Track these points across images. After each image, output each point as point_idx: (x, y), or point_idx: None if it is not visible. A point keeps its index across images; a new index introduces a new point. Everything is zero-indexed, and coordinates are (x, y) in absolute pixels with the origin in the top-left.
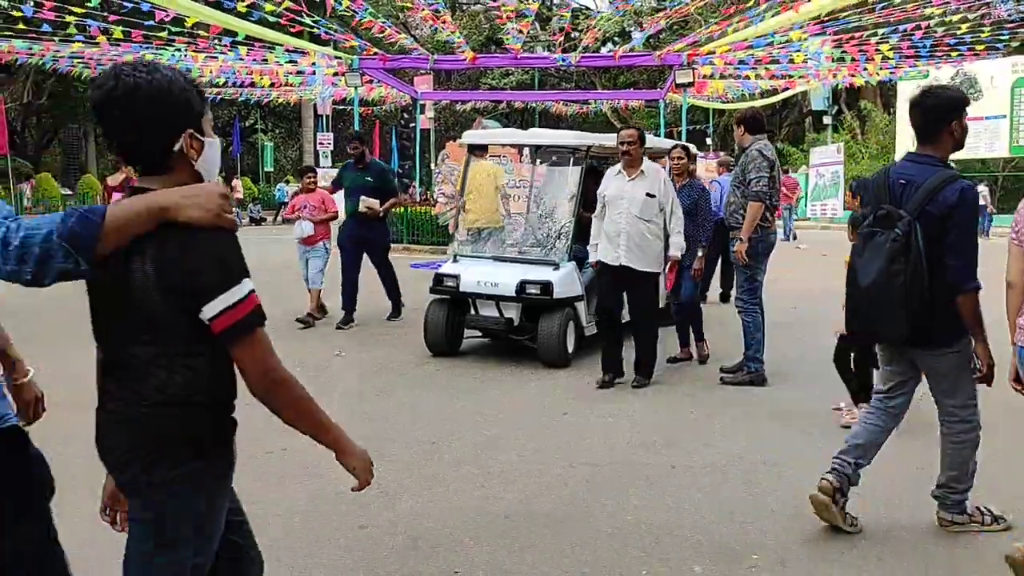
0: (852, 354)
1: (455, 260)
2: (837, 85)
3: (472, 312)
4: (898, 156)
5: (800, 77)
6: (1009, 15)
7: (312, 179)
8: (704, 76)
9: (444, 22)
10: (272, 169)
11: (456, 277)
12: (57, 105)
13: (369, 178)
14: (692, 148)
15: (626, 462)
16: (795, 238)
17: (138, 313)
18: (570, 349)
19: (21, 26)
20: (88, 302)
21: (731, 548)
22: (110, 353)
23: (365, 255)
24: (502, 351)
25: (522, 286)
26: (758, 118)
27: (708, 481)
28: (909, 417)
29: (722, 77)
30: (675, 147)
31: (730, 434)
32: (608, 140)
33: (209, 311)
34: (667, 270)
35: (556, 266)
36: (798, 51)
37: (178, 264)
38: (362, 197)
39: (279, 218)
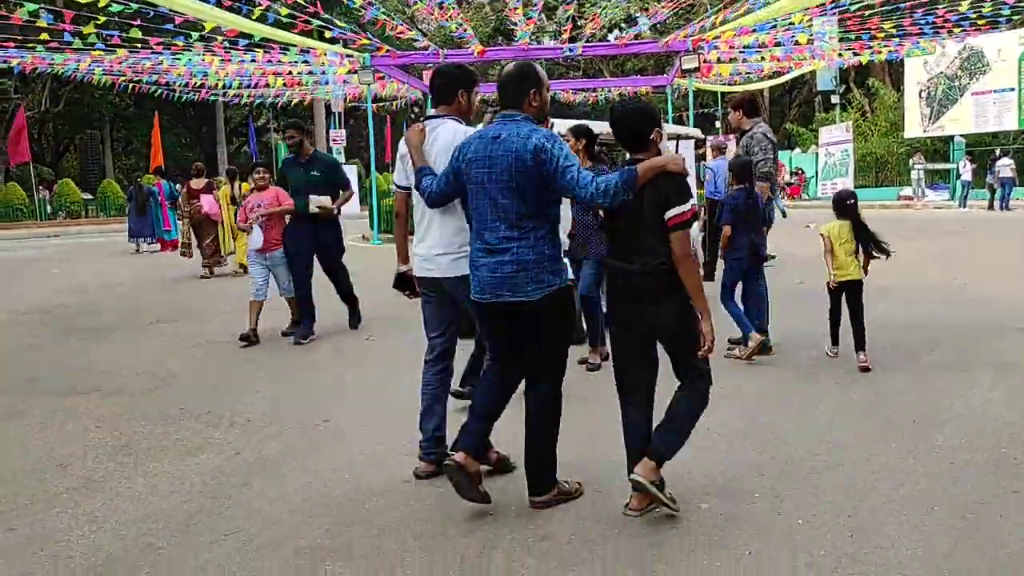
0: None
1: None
2: (843, 65)
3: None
4: (907, 133)
5: (805, 59)
6: None
7: (263, 176)
8: (710, 61)
9: (450, 17)
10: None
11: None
12: (73, 112)
13: (315, 172)
14: (695, 132)
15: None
16: (784, 215)
17: (645, 218)
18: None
19: (44, 36)
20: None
21: (735, 489)
22: (627, 241)
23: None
24: None
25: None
26: (755, 101)
27: (718, 437)
28: None
29: (728, 61)
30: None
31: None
32: None
33: (670, 214)
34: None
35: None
36: (802, 32)
37: (665, 191)
38: (311, 196)
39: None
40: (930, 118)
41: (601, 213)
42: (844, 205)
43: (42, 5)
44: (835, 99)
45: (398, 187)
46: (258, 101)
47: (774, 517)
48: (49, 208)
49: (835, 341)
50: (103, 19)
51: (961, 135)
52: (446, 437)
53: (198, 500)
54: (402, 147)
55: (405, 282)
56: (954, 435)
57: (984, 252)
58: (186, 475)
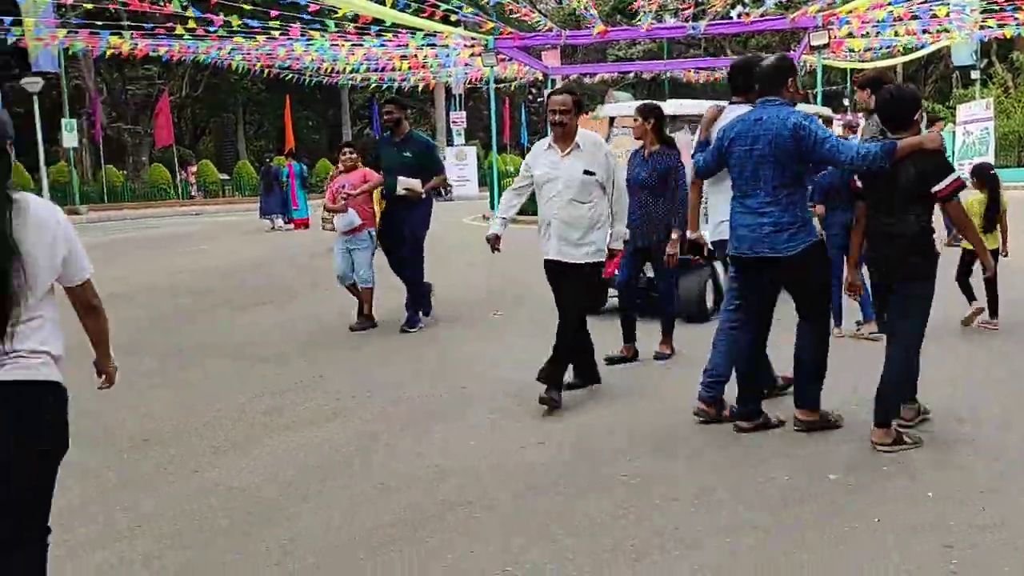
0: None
1: None
2: (984, 38)
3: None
4: None
5: (944, 31)
6: None
7: (349, 156)
8: (840, 36)
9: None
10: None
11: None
12: (210, 96)
13: (408, 154)
14: (825, 110)
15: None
16: None
17: (900, 188)
18: (709, 305)
19: (191, 24)
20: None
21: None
22: (884, 205)
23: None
24: (642, 309)
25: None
26: (882, 80)
27: (855, 408)
28: None
29: (861, 36)
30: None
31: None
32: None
33: (936, 188)
34: (608, 259)
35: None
36: (941, 4)
37: (928, 165)
38: (399, 178)
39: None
40: None
41: (858, 183)
42: (986, 173)
43: None
44: (975, 74)
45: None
46: (386, 85)
47: (904, 487)
48: (190, 188)
49: (970, 298)
50: (248, 7)
51: None
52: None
53: (341, 456)
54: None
55: (695, 247)
56: None
57: None
58: (328, 436)
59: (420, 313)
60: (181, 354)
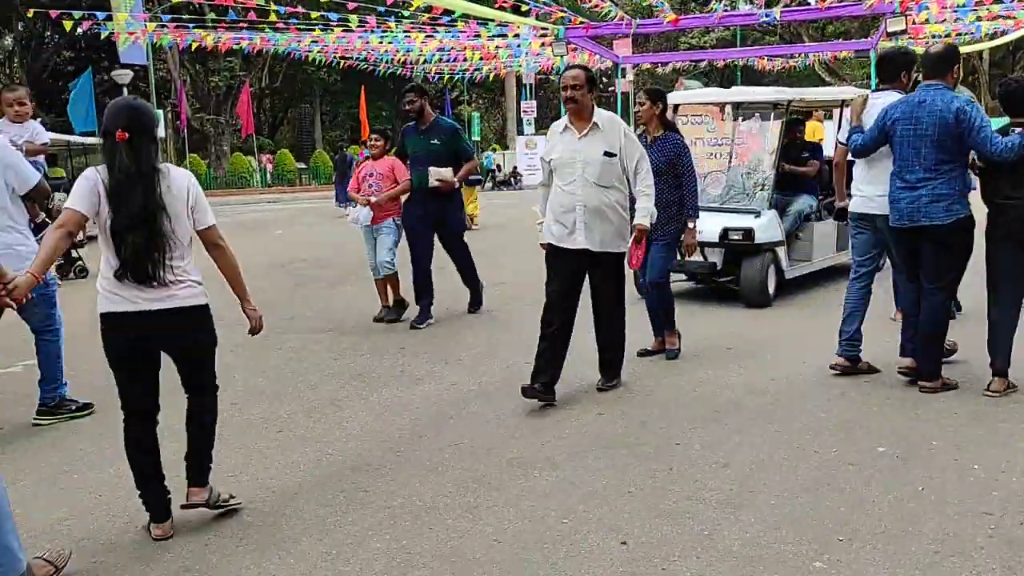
0: None
1: None
2: None
3: (678, 258)
4: None
5: None
6: None
7: (375, 143)
8: (919, 22)
9: None
10: (479, 138)
11: None
12: (287, 87)
13: (436, 141)
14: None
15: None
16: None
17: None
18: (771, 291)
19: (272, 17)
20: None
21: (912, 436)
22: (1008, 182)
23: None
24: (706, 293)
25: (725, 232)
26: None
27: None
28: None
29: (940, 22)
30: (641, 93)
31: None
32: (808, 93)
33: None
34: (632, 242)
35: (758, 214)
36: None
37: None
38: (430, 168)
39: (485, 183)
40: None
41: (980, 164)
42: None
43: None
44: None
45: (840, 143)
46: (458, 76)
47: (949, 461)
48: (268, 176)
49: None
50: (327, 1)
51: None
52: (861, 339)
53: (425, 418)
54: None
55: (842, 213)
56: None
57: None
58: (412, 399)
59: (430, 311)
60: (287, 323)
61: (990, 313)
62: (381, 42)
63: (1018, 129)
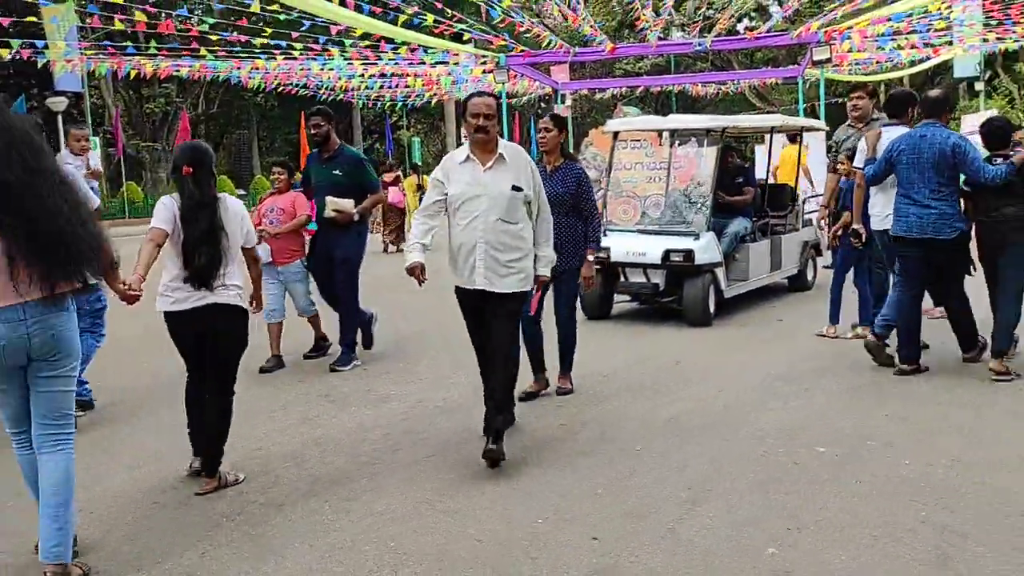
0: None
1: (605, 235)
2: (987, 51)
3: (622, 279)
4: None
5: (946, 43)
6: None
7: (279, 176)
8: (843, 51)
9: (576, 20)
10: (420, 162)
11: (607, 249)
12: (224, 113)
13: (338, 172)
14: (820, 123)
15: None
16: None
17: (1013, 188)
18: (712, 310)
19: (215, 49)
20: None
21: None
22: (990, 203)
23: None
24: (649, 313)
25: (667, 254)
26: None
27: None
28: None
29: (864, 50)
30: (543, 118)
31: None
32: (742, 121)
33: None
34: (534, 291)
35: (697, 236)
36: (941, 19)
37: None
38: (328, 198)
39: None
40: None
41: (965, 187)
42: None
43: (218, 20)
44: (979, 86)
45: (857, 168)
46: (399, 102)
47: (883, 458)
48: None
49: None
50: (269, 31)
51: None
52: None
53: (397, 433)
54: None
55: (856, 234)
56: None
57: None
58: (382, 416)
59: (356, 348)
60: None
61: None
62: (323, 69)
63: (1000, 160)
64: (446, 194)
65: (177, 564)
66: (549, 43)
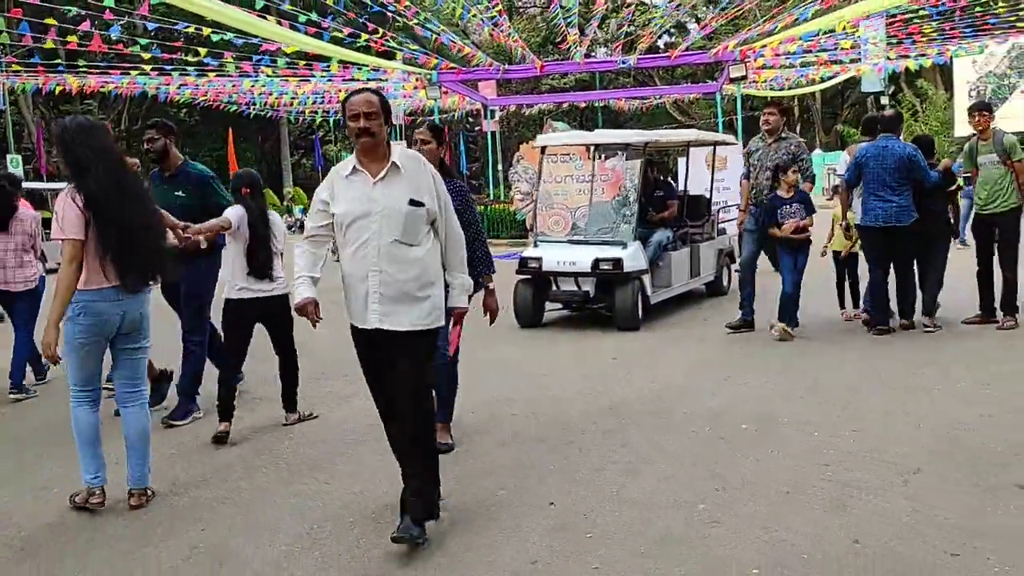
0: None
1: (536, 245)
2: (892, 69)
3: (554, 288)
4: (958, 131)
5: (852, 62)
6: None
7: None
8: (757, 68)
9: (498, 38)
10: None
11: (539, 259)
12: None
13: (181, 193)
14: (730, 138)
15: (693, 377)
16: None
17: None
18: (640, 315)
19: (146, 68)
20: None
21: (770, 414)
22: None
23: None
24: (579, 320)
25: (596, 263)
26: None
27: (730, 384)
28: None
29: (779, 67)
30: (419, 129)
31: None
32: (663, 136)
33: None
34: (452, 326)
35: (625, 245)
36: (845, 39)
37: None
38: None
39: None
40: None
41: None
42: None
43: (152, 40)
44: (884, 100)
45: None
46: (332, 117)
47: (794, 431)
48: None
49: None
50: (204, 52)
51: (1013, 132)
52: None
53: (362, 427)
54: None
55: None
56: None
57: None
58: (350, 415)
59: (194, 399)
60: None
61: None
62: (254, 85)
63: (936, 170)
64: (333, 215)
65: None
66: (478, 62)
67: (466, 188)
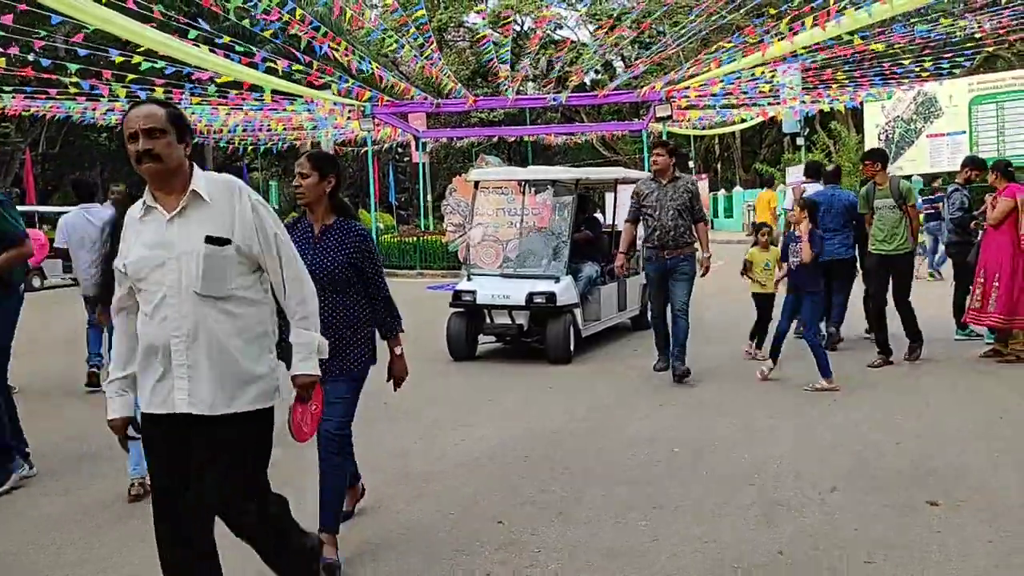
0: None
1: (469, 278)
2: (808, 112)
3: (488, 321)
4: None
5: (769, 104)
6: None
7: None
8: (681, 107)
9: (429, 70)
10: (278, 206)
11: (473, 292)
12: (66, 153)
13: None
14: (643, 174)
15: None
16: None
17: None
18: (571, 348)
19: (72, 91)
20: None
21: (699, 440)
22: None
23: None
24: (513, 353)
25: (530, 297)
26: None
27: (667, 414)
28: None
29: (702, 108)
30: (299, 159)
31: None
32: (593, 173)
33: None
34: (296, 401)
35: (557, 279)
36: (765, 83)
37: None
38: None
39: None
40: (890, 159)
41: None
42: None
43: (82, 66)
44: (800, 140)
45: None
46: (262, 146)
47: (726, 455)
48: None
49: (754, 340)
50: (130, 78)
51: (919, 175)
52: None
53: None
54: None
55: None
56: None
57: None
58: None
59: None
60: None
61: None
62: (185, 111)
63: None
64: (125, 267)
65: None
66: (413, 95)
67: (367, 233)
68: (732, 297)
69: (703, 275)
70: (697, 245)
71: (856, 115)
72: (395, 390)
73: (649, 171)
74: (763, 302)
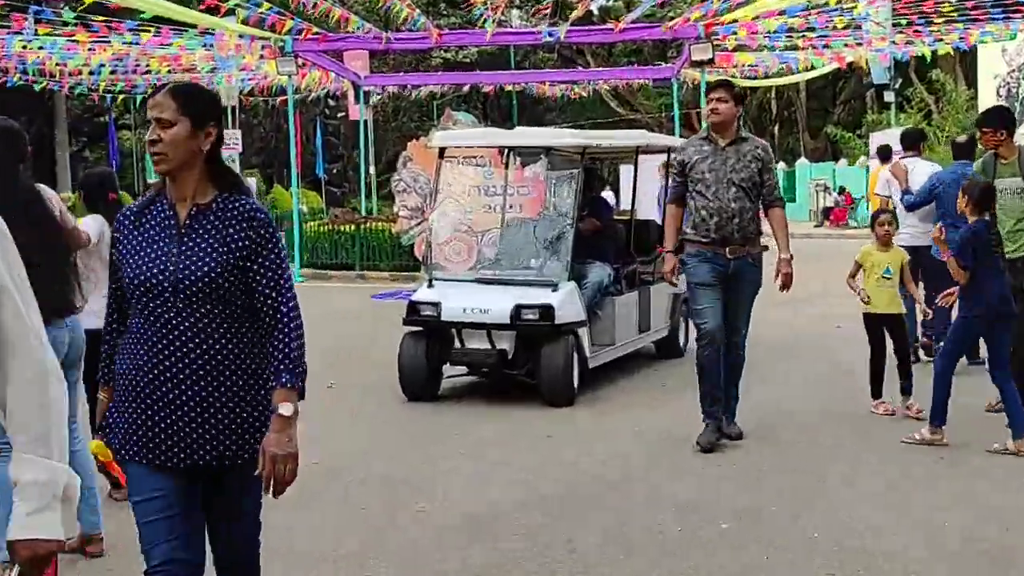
0: None
1: (431, 285)
2: (899, 56)
3: (457, 345)
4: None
5: (847, 46)
6: None
7: None
8: (727, 48)
9: None
10: (157, 179)
11: (436, 305)
12: None
13: None
14: (672, 140)
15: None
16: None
17: None
18: (575, 383)
19: None
20: None
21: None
22: None
23: None
24: (492, 391)
25: (517, 311)
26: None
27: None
28: None
29: (754, 49)
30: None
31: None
32: (609, 138)
33: None
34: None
35: (555, 286)
36: (841, 15)
37: None
38: None
39: None
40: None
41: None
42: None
43: None
44: (889, 96)
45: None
46: (139, 94)
47: (788, 529)
48: None
49: (875, 392)
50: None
51: None
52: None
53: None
54: None
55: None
56: None
57: None
58: None
59: None
60: None
61: None
62: (27, 47)
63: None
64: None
65: None
66: (353, 27)
67: (265, 216)
68: (799, 312)
69: (782, 288)
70: (767, 240)
71: (967, 61)
72: (272, 495)
73: (688, 132)
74: (880, 325)
